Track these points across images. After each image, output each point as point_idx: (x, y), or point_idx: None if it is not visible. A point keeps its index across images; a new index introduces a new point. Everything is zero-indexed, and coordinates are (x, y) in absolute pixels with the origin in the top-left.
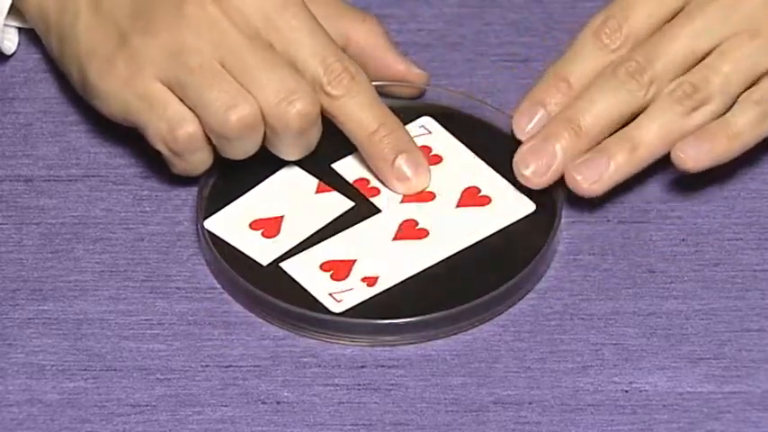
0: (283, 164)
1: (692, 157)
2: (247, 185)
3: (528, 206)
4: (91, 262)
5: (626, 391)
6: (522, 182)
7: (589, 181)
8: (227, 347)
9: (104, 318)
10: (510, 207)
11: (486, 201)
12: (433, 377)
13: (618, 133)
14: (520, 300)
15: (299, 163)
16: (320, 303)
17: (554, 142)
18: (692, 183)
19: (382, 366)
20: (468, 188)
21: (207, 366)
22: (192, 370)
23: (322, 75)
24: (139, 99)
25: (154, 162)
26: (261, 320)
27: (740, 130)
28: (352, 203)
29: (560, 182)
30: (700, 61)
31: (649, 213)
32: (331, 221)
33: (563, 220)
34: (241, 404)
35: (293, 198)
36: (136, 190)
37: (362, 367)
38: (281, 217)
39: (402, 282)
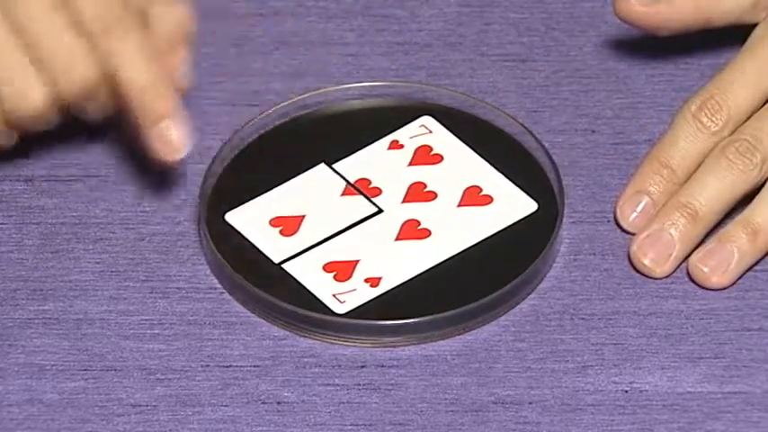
0: (313, 164)
1: None
2: (268, 183)
3: (529, 205)
4: (91, 262)
5: (626, 391)
6: (644, 272)
7: (717, 273)
8: (227, 347)
9: (104, 318)
10: (511, 206)
11: (487, 200)
12: (433, 377)
13: (737, 219)
14: (522, 300)
15: (327, 163)
16: (323, 304)
17: (670, 229)
18: None
19: (382, 366)
20: (470, 187)
21: (207, 366)
22: (192, 370)
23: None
24: None
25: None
26: (261, 320)
27: None
28: (375, 209)
29: (561, 179)
30: None
31: None
32: (350, 225)
33: (564, 220)
34: (241, 404)
35: (318, 198)
36: (136, 190)
37: (363, 367)
38: (303, 216)
39: (404, 282)
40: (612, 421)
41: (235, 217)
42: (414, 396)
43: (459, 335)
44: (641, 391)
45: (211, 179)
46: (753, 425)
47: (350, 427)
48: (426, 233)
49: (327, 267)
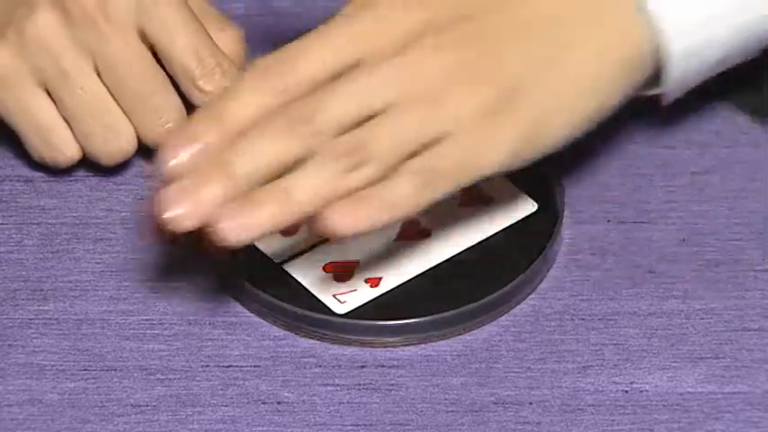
0: None
1: (345, 223)
2: None
3: (529, 206)
4: (91, 262)
5: (626, 392)
6: (166, 225)
7: (234, 231)
8: (227, 347)
9: (104, 318)
10: (511, 207)
11: (487, 200)
12: (434, 377)
13: (273, 183)
14: (522, 300)
15: None
16: (323, 304)
17: (204, 185)
18: (692, 183)
19: (382, 366)
20: (470, 188)
21: (207, 366)
22: (192, 370)
23: (194, 68)
24: None
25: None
26: (261, 320)
27: (396, 201)
28: None
29: (561, 181)
30: (368, 120)
31: (649, 213)
32: None
33: (564, 220)
34: (241, 404)
35: None
36: (136, 190)
37: (363, 367)
38: None
39: (404, 282)
40: (612, 421)
41: None
42: (414, 396)
43: (459, 335)
44: (641, 391)
45: None
46: (753, 425)
47: (350, 427)
48: (426, 233)
49: (327, 268)
